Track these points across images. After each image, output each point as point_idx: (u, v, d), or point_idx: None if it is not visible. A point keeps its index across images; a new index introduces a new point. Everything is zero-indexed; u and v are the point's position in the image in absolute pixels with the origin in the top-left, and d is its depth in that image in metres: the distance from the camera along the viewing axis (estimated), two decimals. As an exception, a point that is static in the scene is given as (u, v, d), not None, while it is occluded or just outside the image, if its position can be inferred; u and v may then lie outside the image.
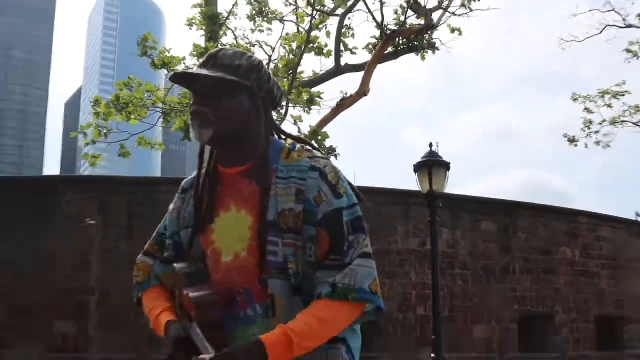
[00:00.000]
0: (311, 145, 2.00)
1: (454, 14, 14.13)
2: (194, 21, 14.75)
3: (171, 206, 2.14)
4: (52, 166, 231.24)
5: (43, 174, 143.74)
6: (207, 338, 1.75)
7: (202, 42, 14.00)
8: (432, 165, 10.04)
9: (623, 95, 20.52)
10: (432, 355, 9.56)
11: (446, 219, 20.30)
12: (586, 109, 20.85)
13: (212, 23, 14.46)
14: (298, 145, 1.98)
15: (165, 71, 13.59)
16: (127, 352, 16.89)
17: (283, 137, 2.07)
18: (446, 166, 10.20)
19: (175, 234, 2.07)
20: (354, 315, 1.80)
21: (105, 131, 12.86)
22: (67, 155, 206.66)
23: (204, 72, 1.88)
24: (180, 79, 2.03)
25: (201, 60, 1.95)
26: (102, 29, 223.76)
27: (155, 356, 16.61)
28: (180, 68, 13.31)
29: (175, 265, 1.96)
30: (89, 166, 13.40)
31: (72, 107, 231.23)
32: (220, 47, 2.00)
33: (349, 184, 1.94)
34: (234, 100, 1.88)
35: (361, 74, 12.89)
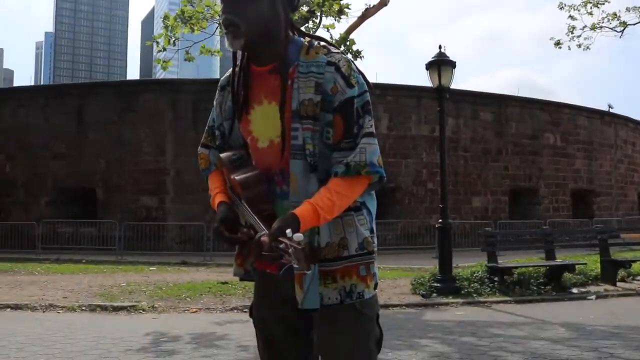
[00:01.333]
0: (326, 41, 1.84)
1: None
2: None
3: (214, 102, 2.00)
4: (133, 72, 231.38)
5: (126, 79, 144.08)
6: (256, 211, 1.70)
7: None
8: (440, 63, 9.61)
9: (603, 4, 19.42)
10: (440, 220, 9.50)
11: (451, 110, 19.89)
12: (570, 16, 19.77)
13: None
14: (316, 43, 1.80)
15: (220, -11, 13.06)
16: (197, 220, 17.32)
17: (301, 35, 1.88)
18: (452, 64, 9.76)
19: (220, 125, 1.96)
20: (365, 186, 1.73)
21: (173, 40, 12.48)
22: (145, 63, 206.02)
23: None
24: None
25: None
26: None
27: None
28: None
29: (221, 155, 1.88)
30: (161, 70, 13.11)
31: (147, 23, 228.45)
32: None
33: (360, 73, 1.79)
34: (256, 6, 1.73)
35: (382, -12, 12.17)
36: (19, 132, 19.12)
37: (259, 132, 1.81)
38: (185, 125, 18.48)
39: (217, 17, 12.17)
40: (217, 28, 12.53)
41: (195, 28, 11.96)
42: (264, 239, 1.56)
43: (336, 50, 1.78)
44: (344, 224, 1.75)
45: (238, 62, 1.86)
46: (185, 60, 12.56)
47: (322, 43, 1.82)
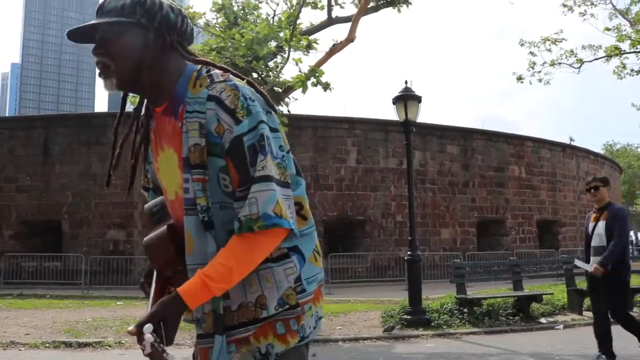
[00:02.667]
0: (215, 66, 1.58)
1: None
2: (211, -19, 14.30)
3: None
4: (101, 104, 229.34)
5: (94, 111, 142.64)
6: (160, 276, 1.55)
7: (219, 0, 13.46)
8: (407, 98, 9.78)
9: (561, 41, 20.24)
10: (409, 252, 9.55)
11: (418, 143, 20.23)
12: (530, 53, 20.49)
13: (227, -18, 13.99)
14: (204, 72, 1.55)
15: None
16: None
17: (191, 58, 1.60)
18: (418, 99, 9.95)
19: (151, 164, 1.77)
20: (275, 241, 1.46)
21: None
22: (113, 96, 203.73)
23: (87, 23, 1.56)
24: (77, 37, 1.63)
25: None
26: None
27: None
28: (201, 22, 12.83)
29: (145, 205, 1.73)
30: (131, 104, 13.06)
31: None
32: None
33: (255, 96, 1.52)
34: (124, 41, 1.52)
35: (349, 24, 12.42)
36: (-18, 165, 18.70)
37: (166, 183, 1.62)
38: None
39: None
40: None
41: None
42: (131, 329, 1.40)
43: (220, 79, 1.52)
44: (260, 279, 1.50)
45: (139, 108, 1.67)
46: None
47: (210, 71, 1.56)
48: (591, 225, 5.98)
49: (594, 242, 5.89)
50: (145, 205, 1.70)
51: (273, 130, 1.54)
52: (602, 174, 30.35)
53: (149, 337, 1.32)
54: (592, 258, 5.91)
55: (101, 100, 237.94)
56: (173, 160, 1.55)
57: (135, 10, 1.54)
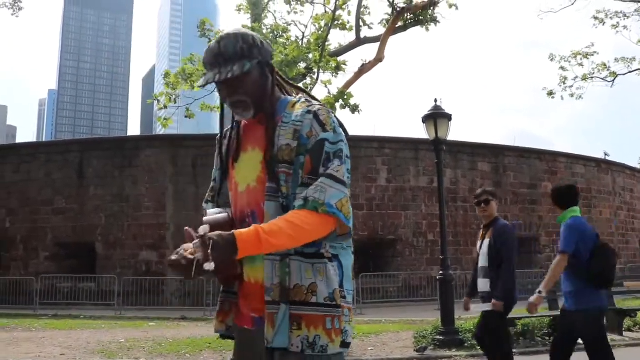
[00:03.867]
0: (310, 96, 1.98)
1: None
2: (241, 7, 14.63)
3: (216, 156, 2.13)
4: (133, 128, 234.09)
5: (127, 134, 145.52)
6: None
7: (248, 23, 13.72)
8: (437, 116, 9.74)
9: (592, 55, 19.90)
10: (440, 271, 9.44)
11: (449, 161, 20.07)
12: (561, 67, 20.22)
13: (256, 8, 14.27)
14: (302, 99, 1.92)
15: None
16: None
17: (286, 85, 2.02)
18: (448, 117, 9.89)
19: (216, 177, 2.09)
20: (327, 228, 1.72)
21: (174, 97, 12.75)
22: (145, 119, 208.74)
23: (222, 75, 1.80)
24: (205, 84, 1.94)
25: (209, 60, 1.86)
26: (170, 17, 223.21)
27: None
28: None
29: (208, 210, 1.97)
30: (162, 127, 13.35)
31: (148, 81, 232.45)
32: (220, 36, 1.91)
33: (341, 125, 1.88)
34: (252, 79, 1.86)
35: (377, 44, 12.49)
36: (20, 188, 19.20)
37: (240, 178, 1.91)
38: (185, 180, 18.58)
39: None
40: (217, 85, 12.80)
41: (196, 85, 12.23)
42: (187, 229, 1.68)
43: (318, 103, 1.88)
44: (314, 270, 1.75)
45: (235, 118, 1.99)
46: (186, 117, 12.78)
47: (307, 98, 1.94)
48: (478, 243, 5.40)
49: (481, 262, 5.31)
50: (209, 211, 1.95)
51: (346, 156, 1.85)
52: (639, 189, 29.33)
53: (203, 227, 1.54)
54: (479, 280, 5.34)
55: (133, 124, 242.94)
56: (255, 158, 1.87)
57: (252, 52, 1.86)
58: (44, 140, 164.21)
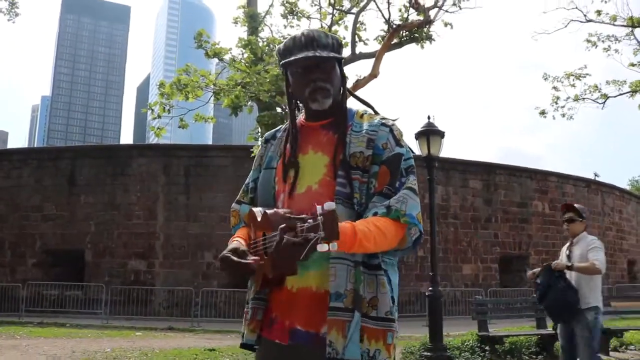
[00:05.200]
0: (374, 109, 2.11)
1: (447, 11, 13.68)
2: (238, 19, 14.67)
3: (255, 158, 2.09)
4: (126, 137, 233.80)
5: (120, 143, 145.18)
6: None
7: (244, 36, 13.77)
8: (429, 133, 9.80)
9: (584, 77, 20.13)
10: (430, 288, 9.44)
11: (440, 178, 20.15)
12: (554, 87, 20.43)
13: (253, 20, 14.33)
14: (369, 111, 1.99)
15: (216, 59, 13.45)
16: (185, 285, 17.11)
17: (351, 95, 2.10)
18: (441, 134, 9.96)
19: (256, 178, 2.02)
20: (398, 238, 1.72)
21: (168, 107, 12.74)
22: (138, 128, 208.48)
23: (317, 53, 1.85)
24: (294, 61, 1.87)
25: (300, 42, 1.87)
26: (166, 27, 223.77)
27: (205, 289, 16.82)
28: (227, 58, 13.12)
29: (252, 208, 1.85)
30: (155, 136, 13.34)
31: (142, 90, 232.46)
32: (310, 31, 1.93)
33: (407, 145, 1.92)
34: (336, 71, 1.91)
35: (372, 60, 12.57)
36: (10, 193, 19.07)
37: (299, 179, 1.86)
38: (177, 190, 18.54)
39: (212, 86, 12.48)
40: (211, 96, 12.81)
41: (190, 96, 12.23)
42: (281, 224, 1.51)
43: (389, 118, 1.93)
44: (377, 282, 1.72)
45: (295, 118, 1.99)
46: (179, 127, 12.76)
47: (372, 112, 1.99)
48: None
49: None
50: (254, 209, 1.81)
51: None
52: (628, 211, 29.55)
53: (329, 204, 1.43)
54: None
55: (126, 132, 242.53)
56: (319, 161, 1.85)
57: (340, 49, 1.94)
58: (35, 146, 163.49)
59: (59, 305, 16.67)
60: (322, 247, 1.42)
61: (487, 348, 8.97)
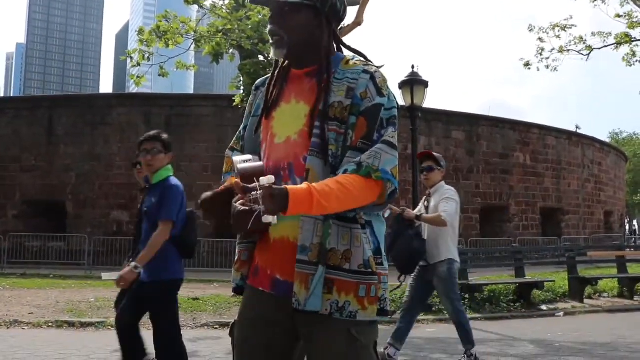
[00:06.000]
0: (366, 58, 1.89)
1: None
2: (219, -37, 14.21)
3: (247, 105, 2.03)
4: (106, 86, 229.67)
5: (99, 92, 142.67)
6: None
7: (227, -18, 13.39)
8: (413, 83, 9.75)
9: (570, 27, 20.01)
10: (411, 237, 9.56)
11: (423, 128, 20.15)
12: (539, 39, 20.31)
13: (234, -36, 13.90)
14: (356, 57, 1.88)
15: (196, 6, 13.08)
16: (169, 233, 17.10)
17: (343, 47, 1.94)
18: (425, 84, 9.91)
19: (247, 126, 1.97)
20: (374, 194, 1.67)
21: (147, 55, 12.44)
22: (118, 77, 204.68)
23: None
24: (257, 2, 1.93)
25: None
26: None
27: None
28: (207, 4, 12.78)
29: (233, 157, 1.85)
30: (135, 85, 13.07)
31: (121, 38, 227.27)
32: None
33: (392, 93, 1.82)
34: (300, 18, 1.79)
35: (357, 7, 12.33)
36: (-13, 144, 18.74)
37: (278, 129, 1.82)
38: (158, 139, 18.36)
39: (192, 33, 12.19)
40: (192, 44, 12.53)
41: (170, 43, 11.94)
42: (236, 184, 1.56)
43: (374, 65, 1.83)
44: (352, 236, 1.68)
45: (279, 66, 1.92)
46: (160, 75, 12.50)
47: (362, 59, 1.88)
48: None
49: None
50: (234, 157, 1.83)
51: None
52: (607, 163, 30.01)
53: (269, 177, 1.47)
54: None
55: (106, 82, 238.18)
56: (300, 110, 1.79)
57: None
58: (11, 95, 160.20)
59: (42, 256, 16.66)
60: (267, 219, 1.48)
61: (466, 296, 9.16)
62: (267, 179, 1.46)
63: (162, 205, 3.76)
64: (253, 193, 1.48)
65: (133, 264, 3.64)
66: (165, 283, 3.79)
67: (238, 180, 1.59)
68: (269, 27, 1.84)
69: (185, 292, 10.74)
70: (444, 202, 5.03)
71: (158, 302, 3.81)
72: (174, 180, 3.91)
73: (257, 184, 1.48)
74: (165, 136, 3.99)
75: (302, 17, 1.79)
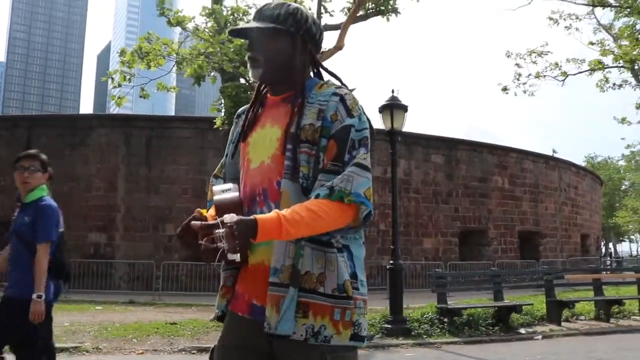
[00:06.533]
0: (340, 81, 1.94)
1: (413, -16, 13.69)
2: (202, -14, 14.31)
3: (230, 133, 2.07)
4: (86, 106, 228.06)
5: (79, 113, 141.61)
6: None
7: (209, 4, 13.47)
8: (393, 107, 9.83)
9: (546, 54, 20.54)
10: (391, 261, 9.56)
11: (403, 152, 20.29)
12: (516, 64, 20.76)
13: (217, -13, 14.00)
14: (330, 81, 1.93)
15: (179, 28, 13.13)
16: (146, 258, 16.92)
17: (319, 69, 1.98)
18: (405, 108, 9.99)
19: (228, 153, 2.01)
20: (347, 218, 1.67)
21: (129, 76, 12.43)
22: (99, 97, 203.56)
23: (248, 25, 1.89)
24: (235, 33, 2.02)
25: (254, 14, 1.92)
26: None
27: (167, 262, 16.71)
28: (190, 26, 12.84)
29: (214, 187, 1.89)
30: (116, 106, 12.99)
31: (103, 58, 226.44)
32: (265, 4, 1.97)
33: (365, 115, 1.84)
34: (276, 43, 1.85)
35: (338, 32, 12.48)
36: (-37, 164, 18.43)
37: (253, 154, 1.85)
38: (138, 161, 18.22)
39: (174, 55, 12.21)
40: (173, 66, 12.55)
41: (152, 64, 11.94)
42: (198, 224, 1.57)
43: (346, 87, 1.87)
44: (326, 259, 1.69)
45: (259, 93, 1.97)
46: (141, 97, 12.47)
47: (336, 82, 1.93)
48: None
49: None
50: (215, 187, 1.87)
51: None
52: (583, 187, 30.33)
53: (230, 216, 1.49)
54: None
55: (86, 102, 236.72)
56: (273, 134, 1.82)
57: (287, 20, 1.86)
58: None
59: (16, 278, 16.28)
60: (231, 257, 1.51)
61: (445, 320, 9.17)
62: (229, 217, 1.49)
63: (39, 227, 3.68)
64: (217, 231, 1.51)
65: (34, 295, 3.55)
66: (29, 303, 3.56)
67: (200, 223, 1.59)
68: (248, 54, 1.90)
69: (162, 316, 10.60)
70: None
71: (22, 324, 3.58)
72: (49, 200, 3.84)
73: (219, 221, 1.51)
74: (44, 156, 3.96)
75: (278, 42, 1.84)
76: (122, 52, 12.45)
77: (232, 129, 2.04)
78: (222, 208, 1.69)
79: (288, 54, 1.86)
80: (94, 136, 18.77)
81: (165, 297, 14.63)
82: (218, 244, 1.51)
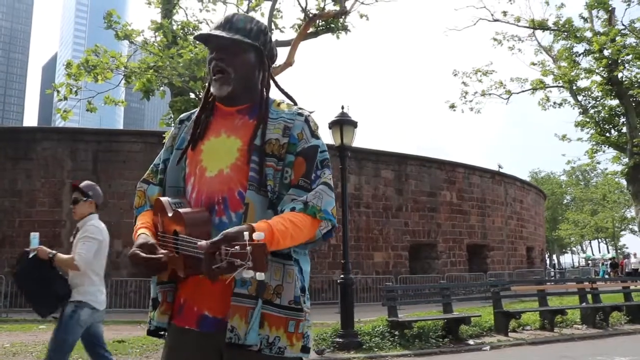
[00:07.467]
0: (294, 102, 1.98)
1: (362, 2, 13.92)
2: (151, 0, 14.16)
3: (169, 137, 2.04)
4: (30, 119, 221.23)
5: (23, 125, 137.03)
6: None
7: (158, 18, 13.34)
8: (343, 123, 9.92)
9: (491, 73, 21.24)
10: (342, 275, 9.60)
11: (353, 167, 20.50)
12: (463, 83, 21.35)
13: (167, 2, 13.86)
14: (286, 101, 1.96)
15: (127, 41, 12.91)
16: (94, 273, 16.42)
17: (276, 87, 1.99)
18: (354, 124, 10.11)
19: (167, 159, 1.97)
20: (313, 234, 1.72)
21: (75, 89, 12.15)
22: (44, 110, 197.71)
23: (223, 34, 1.83)
24: (201, 38, 1.94)
25: (218, 23, 1.88)
26: (75, 3, 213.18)
27: (115, 278, 16.29)
28: (139, 40, 12.65)
29: (161, 198, 1.84)
30: (62, 119, 12.66)
31: (48, 69, 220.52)
32: (233, 14, 1.96)
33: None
34: (246, 57, 1.86)
35: (288, 48, 12.56)
36: None
37: (208, 162, 1.83)
38: (85, 176, 17.72)
39: (123, 69, 12.00)
40: (122, 79, 12.33)
41: (100, 78, 11.71)
42: (205, 244, 1.45)
43: (305, 109, 1.91)
44: (285, 271, 1.71)
45: (208, 100, 1.96)
46: (87, 110, 12.20)
47: (288, 100, 1.97)
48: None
49: None
50: (163, 198, 1.82)
51: None
52: (528, 201, 31.14)
53: (259, 234, 1.40)
54: None
55: (30, 115, 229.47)
56: (232, 145, 1.82)
57: (259, 37, 1.89)
58: None
59: (-47, 297, 15.56)
60: (248, 274, 1.38)
61: (396, 333, 9.25)
62: (257, 235, 1.40)
63: None
64: (236, 247, 1.39)
65: None
66: None
67: (210, 241, 1.47)
68: (214, 62, 1.86)
69: (110, 334, 10.29)
70: (81, 242, 4.50)
71: None
72: None
73: (247, 239, 1.38)
74: None
75: (248, 56, 1.86)
76: (69, 65, 12.17)
77: (172, 132, 2.02)
78: (197, 223, 1.67)
79: (255, 69, 1.89)
80: (38, 150, 18.21)
81: (112, 315, 14.23)
82: (233, 260, 1.39)
